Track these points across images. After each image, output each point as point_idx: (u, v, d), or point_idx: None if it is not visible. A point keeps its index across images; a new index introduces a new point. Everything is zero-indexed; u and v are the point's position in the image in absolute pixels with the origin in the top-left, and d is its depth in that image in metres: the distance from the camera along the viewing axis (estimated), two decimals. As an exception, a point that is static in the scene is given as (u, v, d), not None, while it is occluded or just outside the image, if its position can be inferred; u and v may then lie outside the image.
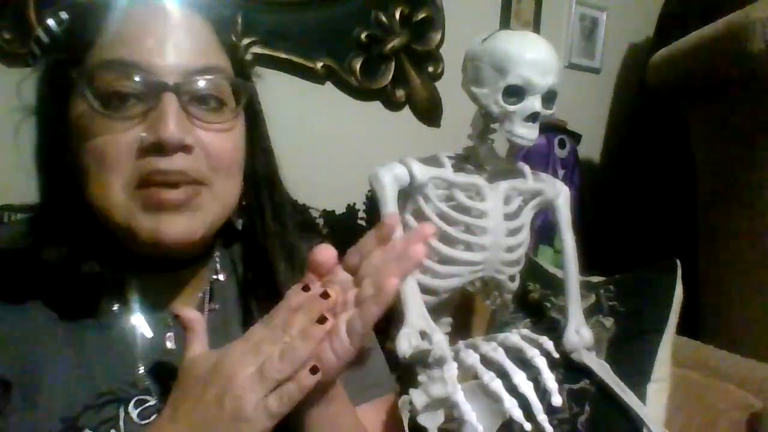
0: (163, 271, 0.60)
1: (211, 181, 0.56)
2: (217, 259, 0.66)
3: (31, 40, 0.57)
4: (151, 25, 0.54)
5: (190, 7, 0.57)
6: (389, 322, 0.89)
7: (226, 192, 0.58)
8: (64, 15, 0.57)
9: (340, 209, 1.22)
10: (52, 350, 0.55)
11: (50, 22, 0.56)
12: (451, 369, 0.74)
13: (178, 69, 0.54)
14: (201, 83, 0.55)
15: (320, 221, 1.17)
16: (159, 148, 0.52)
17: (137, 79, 0.52)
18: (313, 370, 0.46)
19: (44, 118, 0.57)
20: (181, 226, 0.54)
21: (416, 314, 0.79)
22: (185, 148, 0.53)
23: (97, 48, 0.54)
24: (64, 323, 0.56)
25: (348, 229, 1.20)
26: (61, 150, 0.55)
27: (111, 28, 0.54)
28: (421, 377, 0.76)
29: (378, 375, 0.73)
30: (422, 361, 0.76)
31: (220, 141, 0.56)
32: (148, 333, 0.60)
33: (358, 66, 1.35)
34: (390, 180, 0.84)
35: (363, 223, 1.23)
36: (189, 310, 0.52)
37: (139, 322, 0.59)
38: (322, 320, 0.46)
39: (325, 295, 0.47)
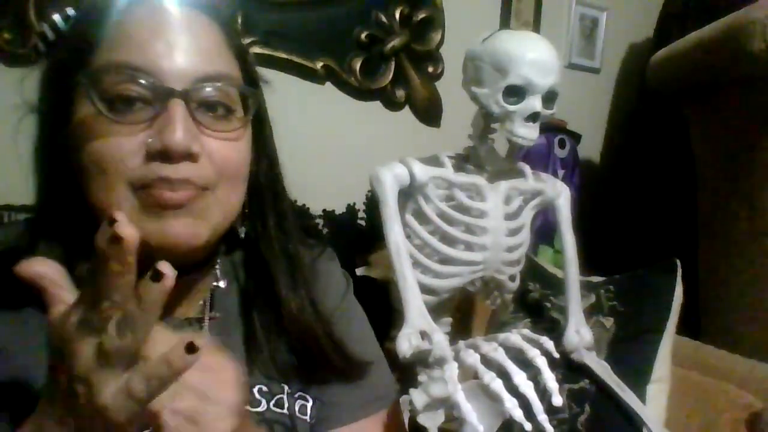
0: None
1: (215, 187, 0.55)
2: (218, 266, 0.65)
3: (36, 35, 0.56)
4: (160, 26, 0.53)
5: (200, 8, 0.56)
6: (389, 322, 0.89)
7: (228, 199, 0.57)
8: (70, 11, 0.55)
9: (340, 209, 1.22)
10: (46, 360, 0.54)
11: (56, 17, 0.55)
12: (452, 369, 0.74)
13: (186, 74, 0.52)
14: (209, 90, 0.54)
15: (320, 221, 1.17)
16: (165, 155, 0.50)
17: (144, 83, 0.51)
18: (190, 348, 0.37)
19: (47, 117, 0.56)
20: (185, 227, 0.53)
21: (416, 314, 0.79)
22: (191, 156, 0.52)
23: (103, 49, 0.52)
24: None
25: (348, 229, 1.21)
26: (62, 150, 0.54)
27: (118, 28, 0.52)
28: (422, 377, 0.76)
29: (381, 388, 0.71)
30: (422, 361, 0.76)
31: (227, 150, 0.55)
32: None
33: (358, 66, 1.35)
34: (390, 180, 0.84)
35: (363, 223, 1.23)
36: (38, 262, 0.42)
37: None
38: (156, 276, 0.37)
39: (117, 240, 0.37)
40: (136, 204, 0.51)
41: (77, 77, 0.51)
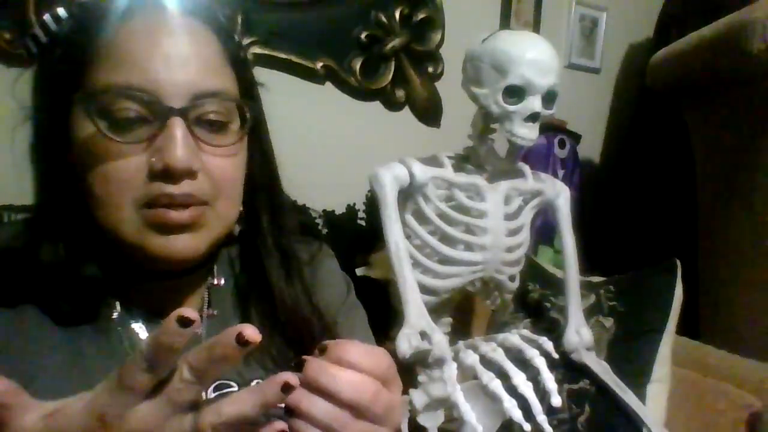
0: (163, 279, 0.59)
1: (215, 201, 0.55)
2: (215, 265, 0.65)
3: (27, 38, 0.54)
4: (158, 40, 0.52)
5: (197, 16, 0.55)
6: (389, 322, 0.89)
7: (227, 210, 0.58)
8: (62, 12, 0.54)
9: (340, 209, 1.22)
10: (46, 358, 0.53)
11: (47, 18, 0.54)
12: (451, 369, 0.74)
13: (184, 91, 0.52)
14: (207, 107, 0.54)
15: (320, 221, 1.17)
16: (167, 174, 0.51)
17: (144, 102, 0.51)
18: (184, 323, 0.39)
19: (44, 124, 0.55)
20: (188, 244, 0.54)
21: (416, 314, 0.79)
22: (191, 174, 0.52)
23: (101, 66, 0.51)
24: (60, 329, 0.55)
25: (348, 229, 1.21)
26: (58, 153, 0.54)
27: (115, 42, 0.51)
28: (421, 377, 0.76)
29: None
30: (422, 361, 0.76)
31: (224, 165, 0.56)
32: None
33: (358, 66, 1.35)
34: (390, 180, 0.84)
35: (363, 223, 1.23)
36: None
37: (138, 330, 0.58)
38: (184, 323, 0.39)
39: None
40: (141, 221, 0.53)
41: (75, 95, 0.51)
